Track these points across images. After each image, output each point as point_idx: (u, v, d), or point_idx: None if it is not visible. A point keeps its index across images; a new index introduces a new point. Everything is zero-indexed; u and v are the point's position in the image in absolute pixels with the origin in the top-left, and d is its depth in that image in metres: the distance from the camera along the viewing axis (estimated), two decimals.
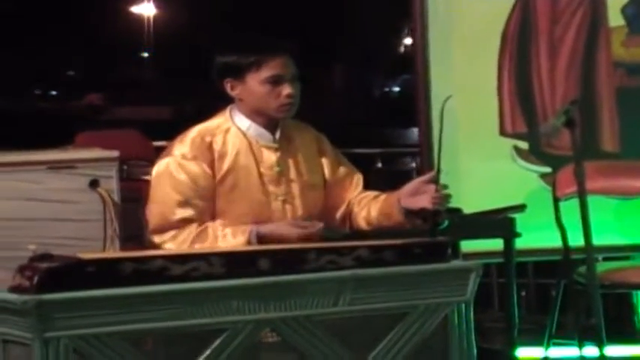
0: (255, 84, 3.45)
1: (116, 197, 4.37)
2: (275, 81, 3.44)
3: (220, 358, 2.89)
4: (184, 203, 3.39)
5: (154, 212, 3.43)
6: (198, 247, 3.32)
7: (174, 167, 3.42)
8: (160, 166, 3.46)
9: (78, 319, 2.75)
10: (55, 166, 4.28)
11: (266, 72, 3.44)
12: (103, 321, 2.77)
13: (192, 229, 3.37)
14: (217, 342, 2.89)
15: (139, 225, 3.71)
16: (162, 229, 3.39)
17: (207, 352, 2.89)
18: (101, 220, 4.31)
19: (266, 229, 3.37)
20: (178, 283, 2.88)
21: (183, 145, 3.46)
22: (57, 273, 2.79)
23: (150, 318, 2.83)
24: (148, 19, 20.55)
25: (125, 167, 5.03)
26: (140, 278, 2.85)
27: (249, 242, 3.33)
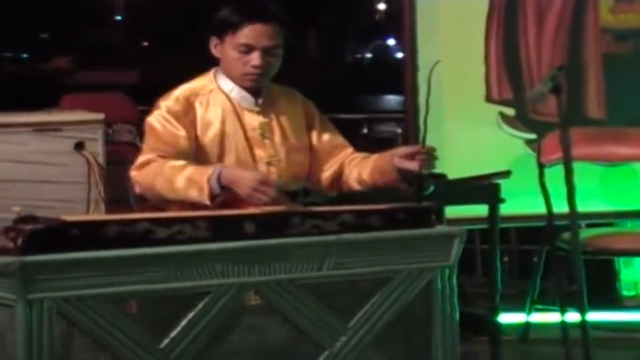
0: (229, 47, 3.43)
1: (101, 160, 4.37)
2: (245, 50, 3.41)
3: (204, 320, 2.90)
4: (161, 152, 3.37)
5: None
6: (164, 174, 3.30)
7: (156, 120, 3.41)
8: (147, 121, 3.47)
9: (62, 282, 2.74)
10: (40, 128, 4.27)
11: (240, 38, 3.40)
12: (87, 283, 2.77)
13: (163, 161, 3.34)
14: (201, 305, 2.90)
15: (123, 188, 3.71)
16: (140, 166, 3.38)
17: (191, 314, 2.89)
18: (86, 182, 4.31)
19: (229, 173, 3.28)
20: (163, 246, 2.88)
21: (168, 101, 3.45)
22: (41, 235, 2.78)
23: (134, 281, 2.82)
24: None
25: (110, 130, 5.03)
26: (125, 241, 2.84)
27: (210, 176, 3.26)
